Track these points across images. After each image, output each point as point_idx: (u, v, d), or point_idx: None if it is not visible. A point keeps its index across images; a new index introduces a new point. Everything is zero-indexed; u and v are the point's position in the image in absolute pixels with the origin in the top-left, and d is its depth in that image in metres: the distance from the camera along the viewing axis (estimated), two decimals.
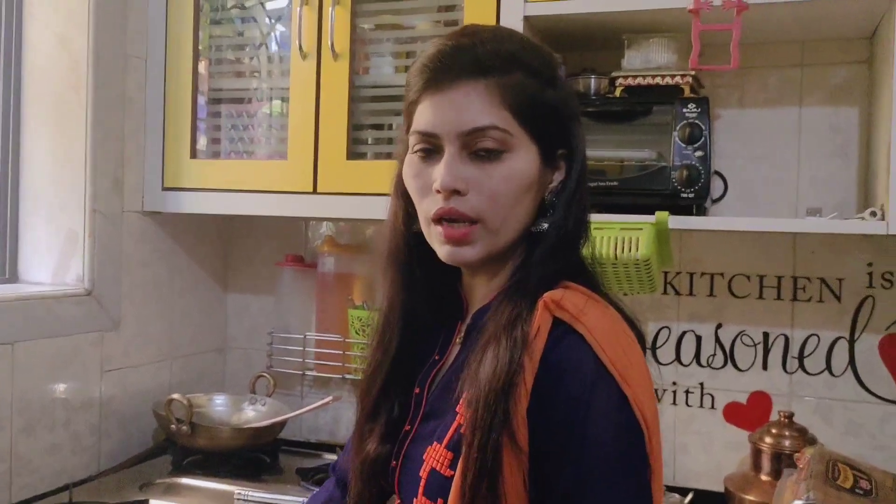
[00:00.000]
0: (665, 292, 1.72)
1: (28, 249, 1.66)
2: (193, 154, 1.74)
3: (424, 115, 0.85)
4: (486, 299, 0.92)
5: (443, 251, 0.87)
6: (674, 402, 1.72)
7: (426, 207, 0.87)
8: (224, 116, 1.81)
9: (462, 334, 0.94)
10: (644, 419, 0.79)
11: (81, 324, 1.60)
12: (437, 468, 0.84)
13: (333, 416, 1.94)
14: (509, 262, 0.90)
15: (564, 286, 0.85)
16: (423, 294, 0.95)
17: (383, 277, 0.96)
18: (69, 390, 1.57)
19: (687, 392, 1.71)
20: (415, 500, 0.87)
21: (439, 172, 0.84)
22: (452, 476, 0.81)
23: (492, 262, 0.90)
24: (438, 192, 0.84)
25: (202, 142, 1.79)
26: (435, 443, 0.86)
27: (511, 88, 0.84)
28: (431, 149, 0.86)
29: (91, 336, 1.63)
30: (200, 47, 1.75)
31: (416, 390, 0.94)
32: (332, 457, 1.74)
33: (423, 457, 0.86)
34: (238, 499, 1.45)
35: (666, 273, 1.72)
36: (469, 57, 0.84)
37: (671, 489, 1.65)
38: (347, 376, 1.86)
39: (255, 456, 1.72)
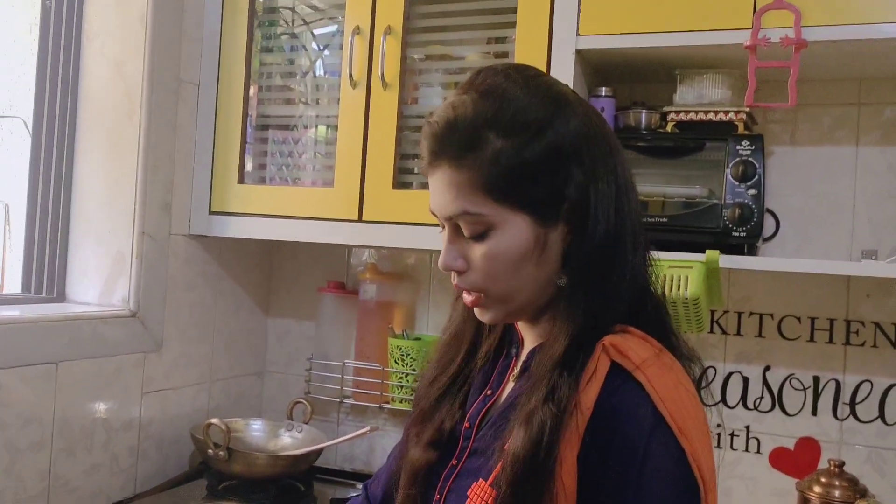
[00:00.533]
0: (712, 331, 1.69)
1: (76, 270, 1.68)
2: (241, 179, 1.75)
3: (430, 194, 0.88)
4: (539, 340, 0.90)
5: (474, 311, 0.91)
6: (718, 445, 1.67)
7: None
8: (271, 142, 1.82)
9: (517, 371, 0.92)
10: (701, 475, 0.77)
11: (125, 345, 1.61)
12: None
13: (369, 444, 1.92)
14: (549, 314, 0.89)
15: (623, 330, 0.83)
16: (484, 327, 0.97)
17: (452, 305, 1.00)
18: (110, 411, 1.58)
19: (732, 435, 1.67)
20: None
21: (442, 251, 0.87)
22: None
23: (530, 315, 0.90)
24: None
25: (249, 167, 1.80)
26: (480, 479, 0.84)
27: (484, 167, 0.82)
28: (443, 223, 0.88)
29: (134, 357, 1.64)
30: (252, 74, 1.77)
31: (466, 425, 0.93)
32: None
33: (468, 492, 0.85)
34: None
35: (713, 311, 1.68)
36: (444, 142, 0.83)
37: None
38: (385, 405, 1.84)
39: (290, 483, 1.71)
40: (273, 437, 1.81)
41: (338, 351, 1.93)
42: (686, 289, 1.39)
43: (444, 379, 0.97)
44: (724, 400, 1.67)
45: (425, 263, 1.93)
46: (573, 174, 0.83)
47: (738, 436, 1.66)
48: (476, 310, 0.90)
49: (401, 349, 1.82)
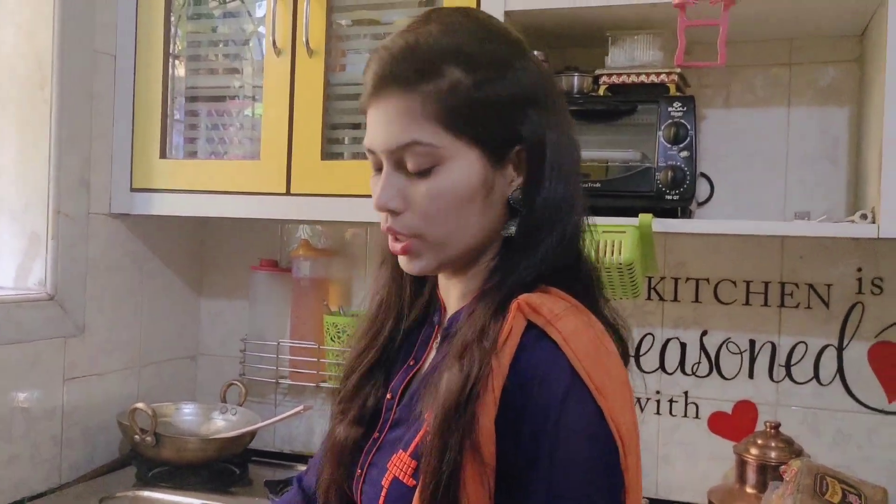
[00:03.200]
0: (649, 298, 1.68)
1: None
2: (164, 154, 1.68)
3: (368, 129, 0.83)
4: (461, 303, 0.87)
5: (399, 261, 0.86)
6: (657, 412, 1.67)
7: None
8: (197, 115, 1.75)
9: (438, 339, 0.89)
10: (619, 435, 0.74)
11: (43, 329, 1.53)
12: (400, 477, 0.80)
13: (308, 426, 1.88)
14: (482, 265, 0.85)
15: (544, 290, 0.80)
16: (410, 294, 0.93)
17: (376, 273, 0.96)
18: (29, 399, 1.51)
19: (671, 401, 1.66)
20: None
21: (375, 192, 0.82)
22: (415, 486, 0.77)
23: (461, 266, 0.86)
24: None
25: (174, 142, 1.73)
26: (400, 451, 0.82)
27: (441, 96, 0.78)
28: (378, 164, 0.83)
29: (54, 342, 1.56)
30: (179, 45, 1.69)
31: (388, 396, 0.90)
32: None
33: (388, 465, 0.82)
34: None
35: (650, 278, 1.67)
36: (401, 66, 0.79)
37: (654, 502, 1.60)
38: (322, 384, 1.80)
39: (224, 467, 1.66)
40: (206, 421, 1.75)
41: (273, 330, 1.87)
42: (620, 254, 1.37)
43: (369, 353, 0.93)
44: (662, 366, 1.67)
45: (360, 238, 1.88)
46: (530, 116, 0.81)
47: (676, 402, 1.66)
48: (404, 258, 0.85)
49: (337, 326, 1.78)
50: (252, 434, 1.66)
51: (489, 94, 0.79)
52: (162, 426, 1.59)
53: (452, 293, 0.89)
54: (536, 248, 0.81)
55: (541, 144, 0.81)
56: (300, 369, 1.82)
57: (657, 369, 1.67)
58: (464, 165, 0.80)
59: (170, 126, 1.71)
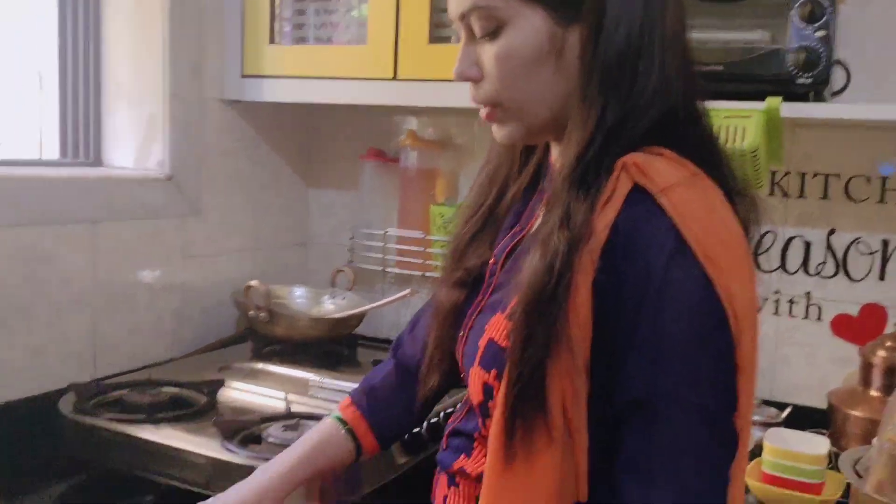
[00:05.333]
0: (771, 193, 1.58)
1: (111, 136, 1.66)
2: (272, 39, 1.68)
3: None
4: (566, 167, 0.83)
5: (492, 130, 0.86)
6: (776, 312, 1.59)
7: None
8: (304, 0, 1.74)
9: (544, 203, 0.86)
10: (732, 308, 0.69)
11: (163, 208, 1.60)
12: (495, 338, 0.80)
13: (414, 313, 1.90)
14: (577, 131, 0.79)
15: (657, 152, 0.75)
16: (519, 162, 0.92)
17: (491, 144, 0.94)
18: (151, 274, 1.59)
19: (791, 302, 1.58)
20: (471, 369, 0.83)
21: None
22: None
23: (555, 133, 0.82)
24: None
25: (282, 28, 1.72)
26: (498, 313, 0.81)
27: None
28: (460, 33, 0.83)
29: (173, 221, 1.63)
30: None
31: (492, 261, 0.89)
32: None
33: (486, 327, 0.82)
34: (313, 385, 1.44)
35: (773, 172, 1.57)
36: None
37: (769, 403, 1.54)
38: (428, 274, 1.81)
39: (333, 348, 1.71)
40: (316, 304, 1.80)
41: (380, 220, 1.89)
42: (743, 140, 1.28)
43: (475, 219, 0.93)
44: (783, 265, 1.58)
45: (467, 130, 1.84)
46: None
47: (797, 303, 1.58)
48: (494, 127, 0.84)
49: (443, 217, 1.77)
50: (360, 317, 1.70)
51: None
52: (275, 306, 1.64)
53: (558, 160, 0.85)
54: (609, 104, 0.75)
55: None
56: (407, 258, 1.83)
57: (777, 268, 1.58)
58: (526, 26, 0.76)
59: (278, 11, 1.70)
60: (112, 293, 1.51)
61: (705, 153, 0.78)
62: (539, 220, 0.86)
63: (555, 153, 0.87)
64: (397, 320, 1.93)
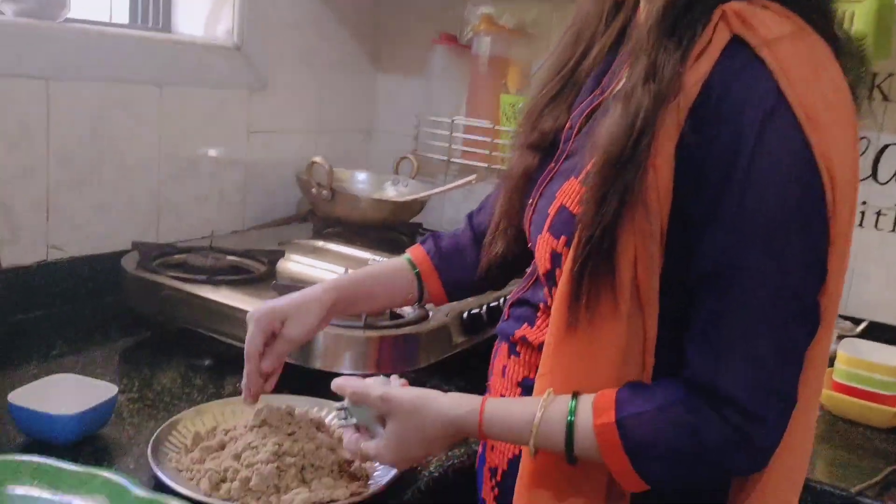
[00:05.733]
0: (870, 97, 1.46)
1: (179, 3, 1.62)
2: None
3: None
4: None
5: None
6: (860, 224, 1.50)
7: None
8: None
9: (627, 61, 0.79)
10: (830, 175, 0.63)
11: (229, 77, 1.57)
12: (567, 204, 0.75)
13: (476, 204, 1.85)
14: None
15: (759, 3, 0.68)
16: (605, 20, 0.85)
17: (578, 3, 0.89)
18: (216, 145, 1.57)
19: (878, 214, 1.49)
20: (539, 237, 0.79)
21: None
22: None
23: None
24: None
25: None
26: (572, 178, 0.76)
27: None
28: None
29: (239, 93, 1.60)
30: None
31: (568, 125, 0.84)
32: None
33: (557, 193, 0.77)
34: (373, 264, 1.41)
35: (874, 74, 1.45)
36: None
37: (844, 318, 1.47)
38: (494, 166, 1.76)
39: (392, 235, 1.69)
40: (378, 190, 1.77)
41: (447, 108, 1.83)
42: (851, 24, 1.18)
43: (555, 81, 0.87)
44: (874, 175, 1.48)
45: (546, 18, 1.75)
46: None
47: (885, 215, 1.48)
48: None
49: (514, 107, 1.70)
50: (422, 203, 1.66)
51: None
52: (337, 188, 1.62)
53: (644, 7, 0.78)
54: None
55: None
56: (473, 148, 1.78)
57: (868, 177, 1.49)
58: None
59: None
60: (177, 160, 1.50)
61: (814, 7, 0.70)
62: (622, 82, 0.80)
63: (643, 4, 0.79)
64: (456, 211, 1.89)
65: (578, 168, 0.75)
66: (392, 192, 1.76)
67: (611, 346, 0.71)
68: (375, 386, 0.82)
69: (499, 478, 0.86)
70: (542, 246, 0.79)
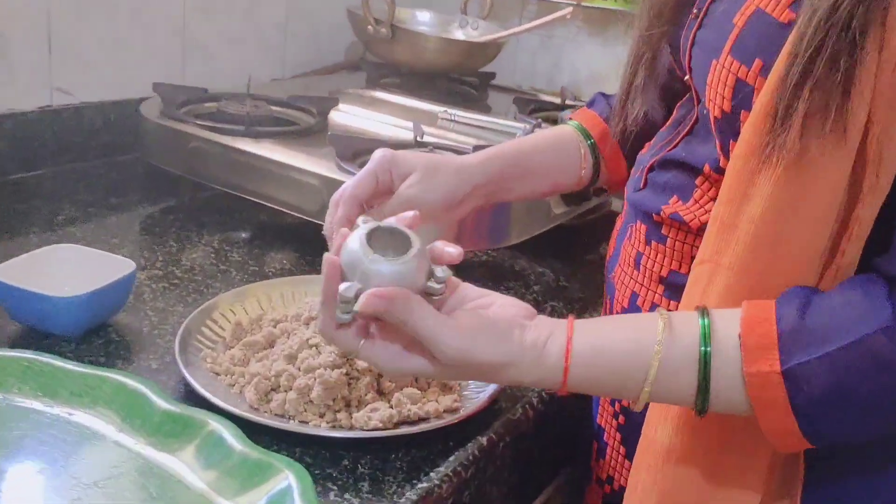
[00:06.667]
0: None
1: None
2: None
3: None
4: None
5: None
6: None
7: None
8: None
9: None
10: None
11: None
12: (766, 8, 0.51)
13: (555, 59, 1.56)
14: None
15: None
16: None
17: None
18: None
19: None
20: (713, 64, 0.55)
21: None
22: (792, 24, 0.49)
23: None
24: None
25: None
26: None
27: None
28: None
29: None
30: None
31: None
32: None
33: (733, 20, 0.53)
34: (443, 118, 1.16)
35: None
36: None
37: None
38: (584, 4, 1.46)
39: (460, 88, 1.43)
40: (443, 32, 1.48)
41: None
42: None
43: None
44: None
45: None
46: None
47: None
48: None
49: None
50: (499, 47, 1.38)
51: None
52: (398, 27, 1.34)
53: None
54: None
55: None
56: None
57: None
58: None
59: None
60: None
61: None
62: None
63: None
64: (533, 69, 1.60)
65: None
66: (460, 36, 1.48)
67: (822, 199, 0.48)
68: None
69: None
70: (718, 77, 0.55)
